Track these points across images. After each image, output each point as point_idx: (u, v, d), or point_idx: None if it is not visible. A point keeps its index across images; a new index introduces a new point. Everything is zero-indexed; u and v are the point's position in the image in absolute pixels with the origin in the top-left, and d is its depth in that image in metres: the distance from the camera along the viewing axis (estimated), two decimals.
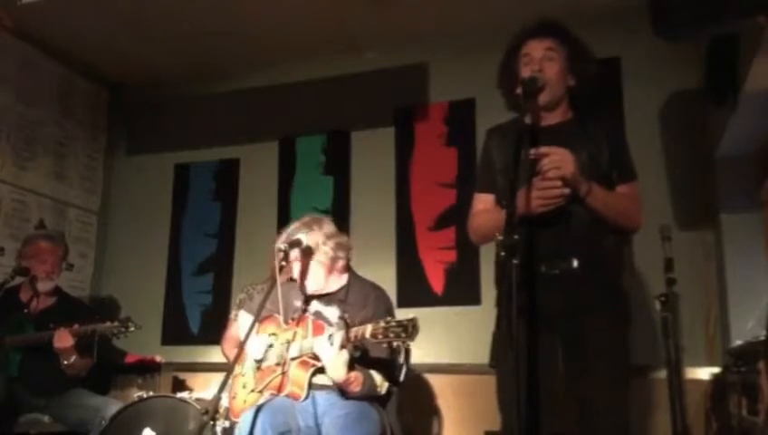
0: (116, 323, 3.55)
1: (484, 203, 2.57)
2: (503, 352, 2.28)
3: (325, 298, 3.05)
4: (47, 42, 4.77)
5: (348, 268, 3.12)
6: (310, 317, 2.94)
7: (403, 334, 2.54)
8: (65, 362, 3.64)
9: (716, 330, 3.73)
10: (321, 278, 3.02)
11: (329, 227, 3.07)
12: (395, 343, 2.60)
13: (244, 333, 2.89)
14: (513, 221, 1.93)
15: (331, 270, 3.03)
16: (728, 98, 3.26)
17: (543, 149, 2.24)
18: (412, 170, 4.59)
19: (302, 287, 3.04)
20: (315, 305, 3.04)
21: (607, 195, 2.35)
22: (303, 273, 3.00)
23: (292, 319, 3.00)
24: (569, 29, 2.51)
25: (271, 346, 2.97)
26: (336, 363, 2.68)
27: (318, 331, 2.83)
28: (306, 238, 2.98)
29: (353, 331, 2.68)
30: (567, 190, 2.24)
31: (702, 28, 2.76)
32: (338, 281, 3.08)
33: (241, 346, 2.79)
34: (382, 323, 2.58)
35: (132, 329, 3.55)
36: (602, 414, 2.24)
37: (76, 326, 3.59)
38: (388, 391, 2.96)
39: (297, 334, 2.90)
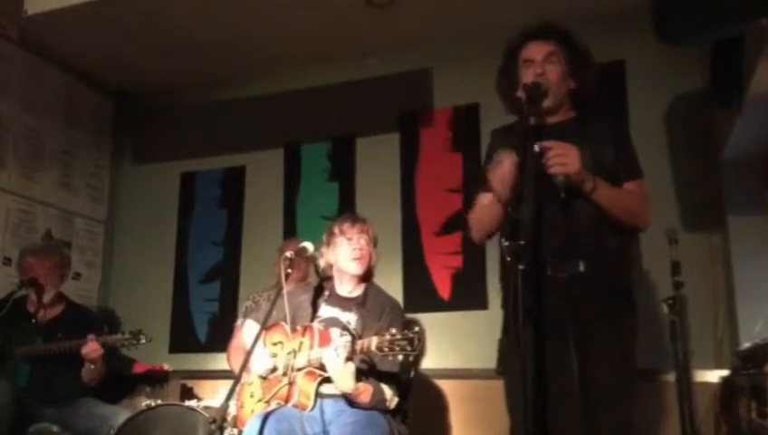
0: (127, 336, 3.57)
1: (485, 201, 2.55)
2: (510, 358, 2.27)
3: (343, 302, 3.05)
4: (52, 52, 4.80)
5: (368, 278, 3.16)
6: (316, 326, 2.94)
7: (408, 347, 2.54)
8: (92, 367, 3.65)
9: (725, 332, 3.72)
10: (366, 266, 3.07)
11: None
12: (400, 357, 2.58)
13: (250, 343, 2.89)
14: (519, 226, 1.92)
15: (367, 270, 3.09)
16: (733, 100, 3.25)
17: (548, 143, 2.21)
18: (417, 176, 4.59)
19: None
20: (330, 311, 3.05)
21: (613, 192, 2.32)
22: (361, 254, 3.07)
23: (301, 327, 3.00)
24: (568, 31, 2.49)
25: (275, 356, 2.98)
26: (343, 375, 2.69)
27: (324, 341, 2.83)
28: (372, 231, 3.11)
29: (359, 343, 2.69)
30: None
31: (705, 32, 2.75)
32: (358, 287, 3.10)
33: (248, 355, 2.79)
34: (388, 336, 2.58)
35: (143, 341, 3.56)
36: (609, 421, 2.23)
37: (104, 336, 3.64)
38: (398, 406, 2.96)
39: (303, 344, 2.90)
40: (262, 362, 2.96)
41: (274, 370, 2.95)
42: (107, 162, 5.40)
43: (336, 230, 3.09)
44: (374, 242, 3.13)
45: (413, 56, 4.68)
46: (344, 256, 3.05)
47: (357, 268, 3.05)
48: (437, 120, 4.60)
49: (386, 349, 2.57)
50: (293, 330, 2.98)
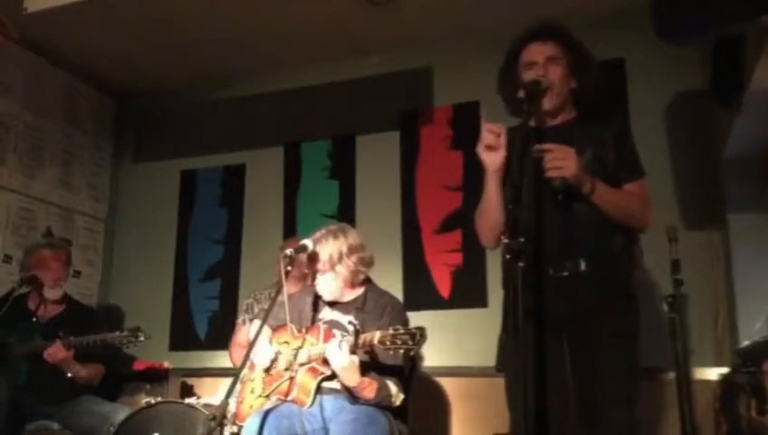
0: (125, 333, 3.54)
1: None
2: (510, 356, 2.27)
3: (342, 307, 3.05)
4: (53, 51, 4.80)
5: (366, 280, 3.13)
6: (322, 326, 2.94)
7: (410, 342, 2.55)
8: (69, 374, 3.65)
9: (725, 330, 3.72)
10: (336, 289, 3.02)
11: (354, 238, 3.05)
12: (401, 351, 2.59)
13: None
14: (519, 225, 1.92)
15: (348, 283, 3.04)
16: (733, 99, 3.25)
17: (546, 146, 2.22)
18: (417, 174, 4.58)
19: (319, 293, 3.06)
20: (330, 314, 3.04)
21: (612, 193, 2.32)
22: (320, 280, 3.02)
23: (305, 328, 3.00)
24: (569, 32, 2.49)
25: (279, 353, 2.98)
26: (348, 368, 2.69)
27: (329, 339, 2.84)
28: (331, 247, 2.98)
29: (362, 337, 2.69)
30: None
31: (705, 31, 2.75)
32: (354, 291, 3.08)
33: (248, 351, 2.79)
34: (390, 331, 2.59)
35: (142, 339, 3.54)
36: (611, 419, 2.23)
37: (71, 338, 3.59)
38: (403, 404, 2.95)
39: (307, 341, 2.90)
40: (264, 354, 2.97)
41: (276, 359, 2.95)
42: (107, 160, 5.40)
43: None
44: (350, 250, 3.01)
45: (413, 54, 4.67)
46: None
47: (326, 297, 3.06)
48: (438, 118, 4.60)
49: (388, 342, 2.58)
50: (299, 330, 2.99)
